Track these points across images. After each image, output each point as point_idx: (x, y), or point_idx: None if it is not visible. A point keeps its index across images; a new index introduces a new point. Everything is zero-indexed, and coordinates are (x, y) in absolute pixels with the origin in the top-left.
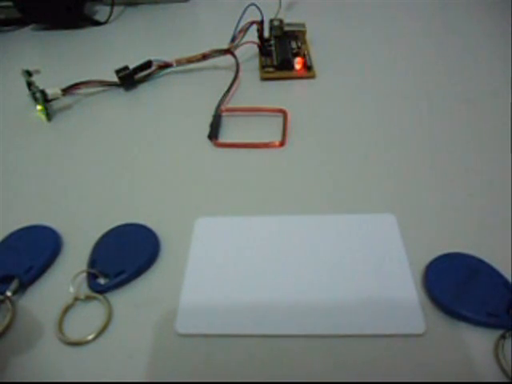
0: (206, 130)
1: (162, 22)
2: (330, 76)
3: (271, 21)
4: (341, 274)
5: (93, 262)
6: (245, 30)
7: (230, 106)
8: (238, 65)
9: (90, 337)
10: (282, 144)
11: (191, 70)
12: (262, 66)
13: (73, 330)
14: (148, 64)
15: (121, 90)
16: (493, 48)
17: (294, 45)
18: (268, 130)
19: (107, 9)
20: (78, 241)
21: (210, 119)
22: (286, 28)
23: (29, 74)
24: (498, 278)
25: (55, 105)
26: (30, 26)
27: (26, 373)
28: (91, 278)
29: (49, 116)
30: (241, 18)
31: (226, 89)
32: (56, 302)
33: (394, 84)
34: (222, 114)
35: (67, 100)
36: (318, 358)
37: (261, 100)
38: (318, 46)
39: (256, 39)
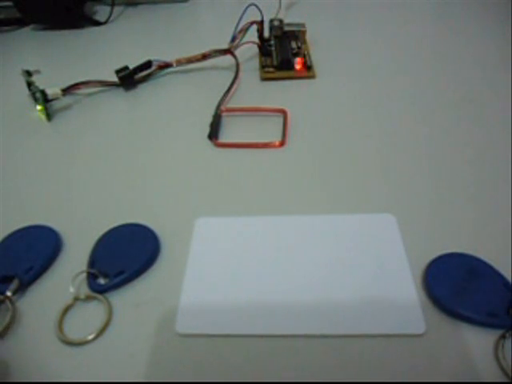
0: (206, 130)
1: (162, 22)
2: (330, 76)
3: (271, 21)
4: (341, 274)
5: (93, 262)
6: (245, 30)
7: (229, 106)
8: (237, 65)
9: (90, 337)
10: (281, 144)
11: (191, 70)
12: (262, 66)
13: (73, 330)
14: (148, 64)
15: (121, 90)
16: (493, 48)
17: (293, 45)
18: (268, 130)
19: (107, 9)
20: (78, 241)
21: (209, 119)
22: (286, 28)
23: (29, 74)
24: (497, 278)
25: (55, 105)
26: (30, 26)
27: (26, 373)
28: (91, 278)
29: (49, 116)
30: (241, 18)
31: (226, 89)
32: (56, 301)
33: (394, 84)
34: (221, 114)
35: (67, 100)
36: (318, 358)
37: (261, 100)
38: (318, 46)
39: (256, 39)
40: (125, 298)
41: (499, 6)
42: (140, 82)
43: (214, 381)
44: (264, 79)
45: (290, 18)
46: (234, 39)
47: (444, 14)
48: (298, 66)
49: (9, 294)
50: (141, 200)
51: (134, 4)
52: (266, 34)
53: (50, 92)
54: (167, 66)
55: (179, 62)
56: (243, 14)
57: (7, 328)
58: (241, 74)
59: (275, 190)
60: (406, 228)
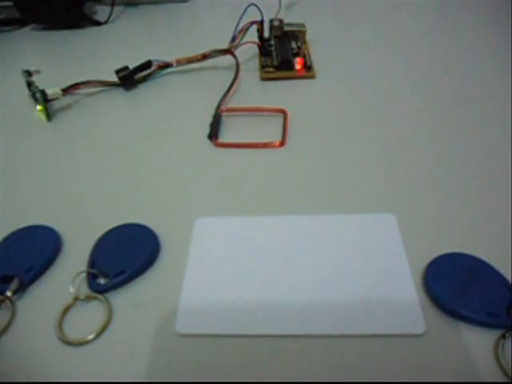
0: (206, 130)
1: (162, 22)
2: (330, 76)
3: (271, 21)
4: (341, 274)
5: (93, 262)
6: (245, 29)
7: (230, 106)
8: (238, 65)
9: (90, 337)
10: (281, 144)
11: (191, 70)
12: (262, 66)
13: (73, 330)
14: (148, 64)
15: (121, 90)
16: (493, 48)
17: (293, 45)
18: (268, 130)
19: (107, 9)
20: (78, 241)
21: (210, 119)
22: (286, 28)
23: (29, 74)
24: (497, 278)
25: (55, 105)
26: (30, 26)
27: (26, 373)
28: (91, 278)
29: (49, 116)
30: (241, 18)
31: (226, 89)
32: (56, 302)
33: (394, 84)
34: (221, 114)
35: (67, 100)
36: (318, 358)
37: (261, 100)
38: (318, 46)
39: (256, 39)
40: (125, 298)
41: (499, 6)
42: (140, 82)
43: (214, 381)
44: (264, 79)
45: (290, 18)
46: (234, 39)
47: (444, 14)
48: (298, 66)
49: (9, 294)
50: (141, 200)
51: (134, 4)
52: (266, 33)
53: (49, 92)
54: (167, 65)
55: (179, 62)
56: (243, 14)
57: (7, 328)
58: (241, 74)
59: (275, 190)
60: (406, 228)
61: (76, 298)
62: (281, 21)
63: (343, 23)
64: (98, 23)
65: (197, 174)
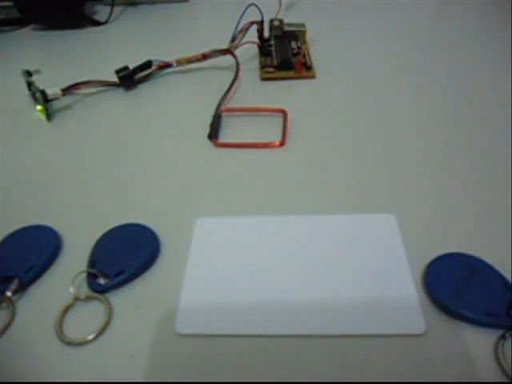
0: (206, 130)
1: (162, 22)
2: (330, 76)
3: (271, 21)
4: (341, 274)
5: (93, 262)
6: (245, 29)
7: (229, 106)
8: (238, 65)
9: (90, 337)
10: (281, 144)
11: (191, 70)
12: (262, 66)
13: (73, 330)
14: (148, 64)
15: (121, 90)
16: (493, 48)
17: (293, 45)
18: (268, 130)
19: (107, 9)
20: (77, 241)
21: (209, 119)
22: (286, 28)
23: (29, 74)
24: (497, 278)
25: (55, 105)
26: (30, 26)
27: (26, 373)
28: (91, 278)
29: (49, 116)
30: (241, 18)
31: (226, 89)
32: (56, 301)
33: (394, 84)
34: (221, 114)
35: (67, 100)
36: (318, 358)
37: (261, 100)
38: (318, 46)
39: (256, 39)
40: (125, 298)
41: (499, 6)
42: (140, 82)
43: (214, 381)
44: (264, 79)
45: (290, 18)
46: (233, 39)
47: (444, 14)
48: (298, 66)
49: (9, 294)
50: (141, 200)
51: (134, 4)
52: (266, 34)
53: (49, 92)
54: (167, 65)
55: (179, 62)
56: (243, 13)
57: (7, 328)
58: (241, 74)
59: (275, 190)
60: (406, 228)
61: (76, 298)
62: (281, 21)
63: (343, 23)
64: (97, 23)
65: (197, 173)
